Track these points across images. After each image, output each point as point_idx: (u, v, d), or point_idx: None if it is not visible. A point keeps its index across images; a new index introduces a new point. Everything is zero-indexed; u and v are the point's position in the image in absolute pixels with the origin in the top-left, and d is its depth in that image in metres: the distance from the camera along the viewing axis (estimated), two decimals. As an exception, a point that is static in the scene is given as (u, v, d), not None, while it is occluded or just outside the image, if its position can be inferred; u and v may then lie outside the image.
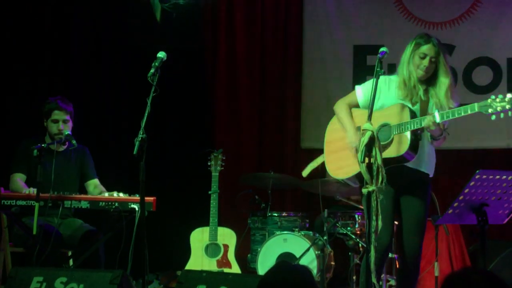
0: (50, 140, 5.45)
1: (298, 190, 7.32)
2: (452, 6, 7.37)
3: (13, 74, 6.80)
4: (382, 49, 4.24)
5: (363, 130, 4.04)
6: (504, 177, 3.94)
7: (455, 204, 3.98)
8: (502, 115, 4.04)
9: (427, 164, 4.48)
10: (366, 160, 3.99)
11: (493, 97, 4.05)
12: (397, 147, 4.28)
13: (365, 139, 4.01)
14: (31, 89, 6.82)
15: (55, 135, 5.44)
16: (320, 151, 7.13)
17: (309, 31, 7.73)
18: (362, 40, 7.55)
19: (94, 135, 6.90)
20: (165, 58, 4.55)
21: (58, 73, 6.97)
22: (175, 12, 7.64)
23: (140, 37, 7.28)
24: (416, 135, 4.32)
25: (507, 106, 3.99)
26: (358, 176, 4.38)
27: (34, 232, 4.75)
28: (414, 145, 4.31)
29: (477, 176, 3.88)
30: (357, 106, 4.63)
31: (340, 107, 4.65)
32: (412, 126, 4.26)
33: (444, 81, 4.42)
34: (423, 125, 4.22)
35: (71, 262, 5.41)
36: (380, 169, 3.99)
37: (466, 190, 3.92)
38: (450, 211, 4.01)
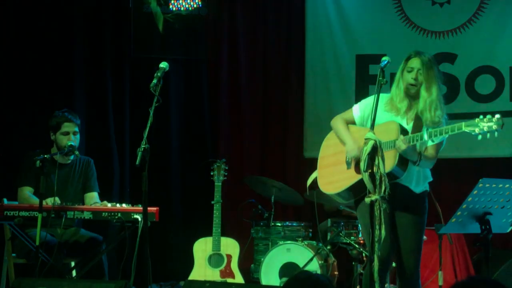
0: (59, 152, 5.46)
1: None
2: (454, 15, 7.38)
3: (15, 86, 6.81)
4: (384, 59, 4.24)
5: (365, 139, 4.03)
6: (507, 185, 3.92)
7: (458, 213, 3.97)
8: (488, 135, 3.97)
9: (416, 182, 4.45)
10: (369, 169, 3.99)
11: (481, 116, 3.99)
12: (386, 164, 4.26)
13: (368, 148, 4.00)
14: (34, 101, 6.83)
15: (66, 147, 5.43)
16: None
17: (311, 41, 7.74)
18: (364, 50, 7.55)
19: (97, 146, 6.91)
20: (167, 69, 4.56)
21: (60, 84, 6.97)
22: (178, 22, 7.66)
23: (142, 48, 7.29)
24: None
25: (494, 127, 3.93)
26: (351, 189, 4.41)
27: (37, 243, 4.74)
28: (402, 162, 4.27)
29: (480, 185, 3.87)
30: (353, 123, 4.66)
31: (337, 121, 4.69)
32: (388, 146, 4.24)
33: (423, 95, 4.40)
34: (395, 146, 4.21)
35: (74, 273, 5.41)
36: (383, 178, 3.98)
37: (469, 199, 3.91)
38: (454, 220, 4.00)
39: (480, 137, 4.03)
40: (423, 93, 4.42)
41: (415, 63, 4.44)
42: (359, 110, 4.64)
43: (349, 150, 4.49)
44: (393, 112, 4.47)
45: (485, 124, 3.97)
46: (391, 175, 4.20)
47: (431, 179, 4.55)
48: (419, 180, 4.47)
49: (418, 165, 4.32)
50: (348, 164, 4.49)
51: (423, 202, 4.52)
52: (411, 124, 4.43)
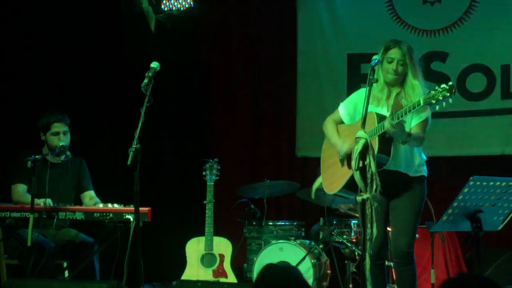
0: (50, 152, 5.45)
1: (294, 199, 7.32)
2: (445, 13, 7.39)
3: (5, 86, 6.80)
4: (374, 57, 4.26)
5: (356, 138, 4.05)
6: (498, 183, 3.94)
7: (450, 211, 3.98)
8: (444, 103, 4.05)
9: (406, 165, 4.47)
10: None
11: (436, 87, 4.06)
12: None
13: (359, 146, 4.02)
14: (25, 101, 6.81)
15: (57, 148, 5.43)
16: (314, 160, 7.19)
17: (302, 39, 7.75)
18: (355, 49, 7.55)
19: (89, 146, 6.89)
20: (158, 68, 4.56)
21: (52, 84, 6.96)
22: (169, 22, 7.66)
23: (134, 48, 7.28)
24: (384, 139, 4.30)
25: (447, 94, 3.99)
26: (347, 186, 4.45)
27: (29, 244, 4.73)
28: (384, 148, 4.30)
29: (471, 183, 3.88)
30: (342, 122, 4.73)
31: (326, 125, 4.78)
32: (377, 131, 4.28)
33: (415, 83, 4.46)
34: (384, 129, 4.23)
35: (66, 273, 5.40)
36: (374, 177, 3.99)
37: (460, 197, 3.92)
38: (445, 218, 4.01)
39: (437, 107, 4.12)
40: (412, 80, 4.46)
41: (394, 53, 4.48)
42: (344, 108, 4.71)
43: (339, 148, 4.57)
44: (373, 103, 4.48)
45: (440, 94, 4.02)
46: (377, 164, 4.22)
47: (423, 160, 4.56)
48: (408, 163, 4.49)
49: (406, 144, 4.32)
50: (342, 162, 4.53)
51: (418, 186, 4.53)
52: (389, 111, 4.44)
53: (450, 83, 4.03)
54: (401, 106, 4.40)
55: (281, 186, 6.73)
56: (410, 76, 4.48)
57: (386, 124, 4.20)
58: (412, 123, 4.42)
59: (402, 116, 4.20)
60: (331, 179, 4.72)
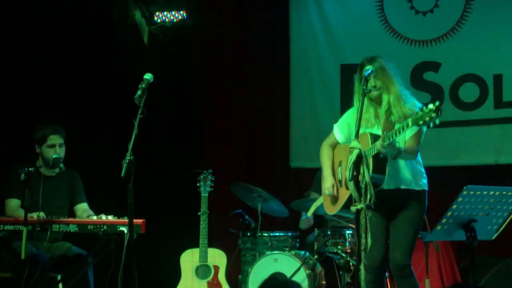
0: (44, 165, 5.44)
1: (288, 210, 7.30)
2: (437, 24, 7.41)
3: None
4: (367, 68, 4.29)
5: (350, 148, 4.06)
6: (492, 192, 3.94)
7: (444, 221, 3.99)
8: (431, 124, 4.01)
9: (406, 181, 4.49)
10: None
11: (424, 108, 4.03)
12: None
13: (353, 157, 4.03)
14: (18, 113, 6.80)
15: (51, 160, 5.42)
16: (308, 171, 7.20)
17: (295, 50, 7.76)
18: (349, 60, 7.55)
19: (82, 158, 6.88)
20: (151, 80, 4.56)
21: (45, 95, 6.96)
22: (162, 34, 7.67)
23: (127, 59, 7.29)
24: (378, 159, 4.29)
25: (433, 115, 3.95)
26: (346, 206, 4.45)
27: (22, 257, 4.71)
28: (378, 168, 4.30)
29: (464, 192, 3.89)
30: (337, 143, 4.76)
31: (322, 153, 4.81)
32: (371, 152, 4.27)
33: (385, 97, 4.47)
34: (376, 150, 4.24)
35: (60, 286, 5.38)
36: (368, 187, 4.00)
37: (454, 206, 3.93)
38: (439, 227, 4.02)
39: (425, 128, 4.13)
40: (385, 96, 4.48)
41: (369, 68, 4.46)
42: (339, 130, 4.75)
43: (324, 184, 4.67)
44: (363, 124, 4.47)
45: (427, 115, 3.96)
46: (373, 184, 4.21)
47: (423, 173, 4.56)
48: (409, 179, 4.49)
49: (397, 158, 4.32)
50: (340, 183, 4.60)
51: (418, 200, 4.53)
52: (381, 129, 4.45)
53: (437, 103, 3.97)
54: (391, 121, 4.40)
55: (273, 204, 6.66)
56: (384, 91, 4.47)
57: (378, 146, 4.20)
58: (407, 136, 4.41)
59: (393, 137, 4.17)
60: (331, 200, 4.73)
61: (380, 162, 4.29)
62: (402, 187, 4.48)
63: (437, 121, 3.98)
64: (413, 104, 4.48)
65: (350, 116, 4.67)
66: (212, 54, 7.91)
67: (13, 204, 5.40)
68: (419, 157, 4.59)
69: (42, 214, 5.06)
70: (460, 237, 4.05)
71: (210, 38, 7.91)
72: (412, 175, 4.51)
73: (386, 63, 4.54)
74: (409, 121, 4.07)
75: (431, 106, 3.96)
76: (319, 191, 6.56)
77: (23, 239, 4.69)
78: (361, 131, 4.36)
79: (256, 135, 7.85)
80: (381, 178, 4.31)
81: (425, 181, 4.59)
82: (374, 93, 4.48)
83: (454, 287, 2.62)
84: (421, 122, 4.00)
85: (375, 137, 4.33)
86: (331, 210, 4.75)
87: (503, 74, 7.16)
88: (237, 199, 6.86)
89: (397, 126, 4.26)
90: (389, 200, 4.38)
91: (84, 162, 6.81)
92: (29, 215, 4.87)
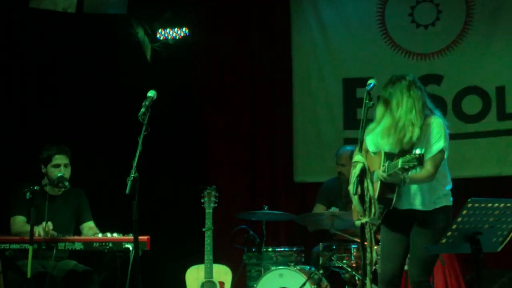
0: (49, 184, 5.46)
1: (293, 224, 7.31)
2: (439, 37, 7.44)
3: (3, 119, 6.82)
4: (370, 82, 4.28)
5: (354, 162, 4.06)
6: (496, 204, 3.93)
7: (449, 234, 3.97)
8: (414, 171, 4.04)
9: (422, 201, 4.42)
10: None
11: (414, 151, 4.04)
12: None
13: (357, 171, 4.03)
14: (25, 132, 6.83)
15: (57, 178, 5.44)
16: (312, 185, 7.20)
17: (297, 65, 7.79)
18: (351, 73, 7.59)
19: (87, 175, 6.89)
20: (155, 97, 4.58)
21: (48, 113, 6.98)
22: (165, 51, 7.70)
23: (130, 77, 7.31)
24: (387, 183, 4.27)
25: (416, 163, 3.95)
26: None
27: (28, 276, 4.72)
28: (387, 187, 4.28)
29: (469, 205, 3.88)
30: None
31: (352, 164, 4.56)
32: (378, 177, 4.26)
33: (411, 116, 4.40)
34: (375, 179, 4.23)
35: (66, 304, 5.38)
36: (372, 201, 4.00)
37: (459, 219, 3.92)
38: (444, 240, 4.00)
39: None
40: (408, 114, 4.40)
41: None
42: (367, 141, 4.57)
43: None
44: (379, 132, 4.44)
45: (410, 163, 3.97)
46: (382, 202, 4.21)
47: (447, 191, 4.49)
48: (425, 198, 4.42)
49: (404, 186, 4.30)
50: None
51: (438, 217, 4.42)
52: (395, 145, 4.39)
53: (420, 152, 3.98)
54: (404, 141, 4.35)
55: (279, 216, 6.70)
56: (403, 108, 4.41)
57: (380, 176, 4.20)
58: (426, 157, 4.26)
59: (393, 169, 4.14)
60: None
61: (389, 182, 4.27)
62: (417, 208, 4.41)
63: (418, 170, 4.03)
64: (419, 130, 4.38)
65: (370, 128, 4.54)
66: (214, 70, 7.94)
67: (19, 221, 5.42)
68: (446, 176, 4.51)
69: (49, 223, 5.08)
70: (466, 250, 4.04)
71: (212, 54, 7.93)
72: (429, 194, 4.43)
73: (406, 84, 4.47)
74: (399, 162, 4.05)
75: (414, 153, 3.99)
76: (324, 203, 6.59)
77: (29, 258, 4.70)
78: (377, 139, 4.35)
79: (259, 149, 7.85)
80: (390, 198, 4.28)
81: (446, 198, 4.49)
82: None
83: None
84: (406, 167, 4.00)
85: (388, 156, 4.29)
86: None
87: (506, 86, 7.18)
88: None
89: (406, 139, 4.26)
90: (407, 218, 4.36)
91: (89, 179, 6.83)
92: (35, 228, 4.90)
